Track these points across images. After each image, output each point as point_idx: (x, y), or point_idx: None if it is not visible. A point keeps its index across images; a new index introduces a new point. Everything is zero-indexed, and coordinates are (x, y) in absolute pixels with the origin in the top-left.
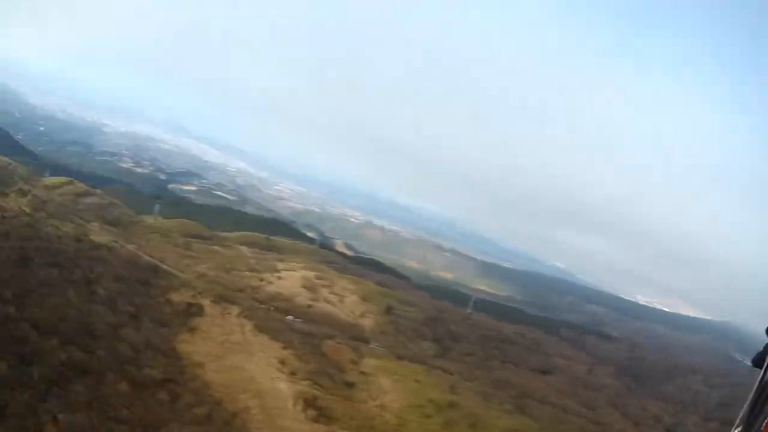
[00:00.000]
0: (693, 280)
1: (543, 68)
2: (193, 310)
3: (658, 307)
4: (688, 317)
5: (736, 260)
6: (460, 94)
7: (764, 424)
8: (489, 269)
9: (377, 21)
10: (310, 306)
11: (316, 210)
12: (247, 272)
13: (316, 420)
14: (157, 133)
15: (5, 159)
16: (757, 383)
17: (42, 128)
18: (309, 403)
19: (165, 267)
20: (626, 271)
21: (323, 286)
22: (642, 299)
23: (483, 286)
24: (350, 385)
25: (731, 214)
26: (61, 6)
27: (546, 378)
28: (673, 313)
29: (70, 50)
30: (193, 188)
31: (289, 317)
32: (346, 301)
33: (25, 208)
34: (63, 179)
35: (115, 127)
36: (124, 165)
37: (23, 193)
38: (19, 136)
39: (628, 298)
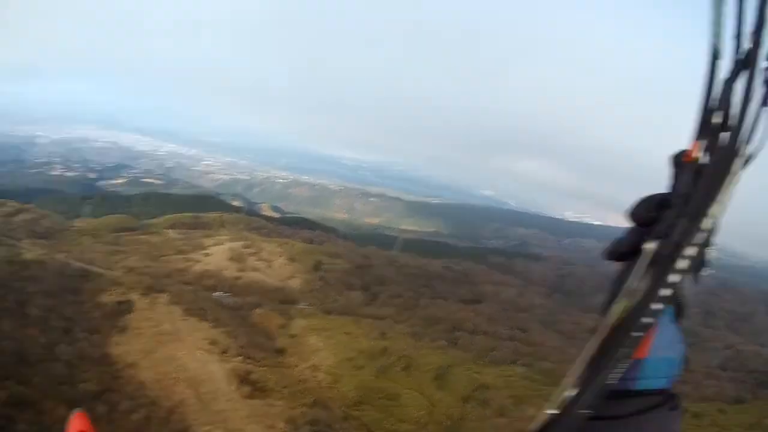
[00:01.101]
0: (624, 191)
1: None
2: (122, 308)
3: (587, 221)
4: (618, 228)
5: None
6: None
7: None
8: (415, 208)
9: None
10: (237, 278)
11: (244, 178)
12: (174, 255)
13: (250, 396)
14: (92, 132)
15: None
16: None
17: None
18: (242, 379)
19: (94, 269)
20: (557, 190)
21: (250, 254)
22: (571, 215)
23: (409, 225)
24: (281, 351)
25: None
26: None
27: (476, 307)
28: (602, 225)
29: None
30: (122, 181)
31: (217, 293)
32: (273, 265)
33: None
34: None
35: (47, 136)
36: (55, 172)
37: None
38: None
39: (556, 216)
